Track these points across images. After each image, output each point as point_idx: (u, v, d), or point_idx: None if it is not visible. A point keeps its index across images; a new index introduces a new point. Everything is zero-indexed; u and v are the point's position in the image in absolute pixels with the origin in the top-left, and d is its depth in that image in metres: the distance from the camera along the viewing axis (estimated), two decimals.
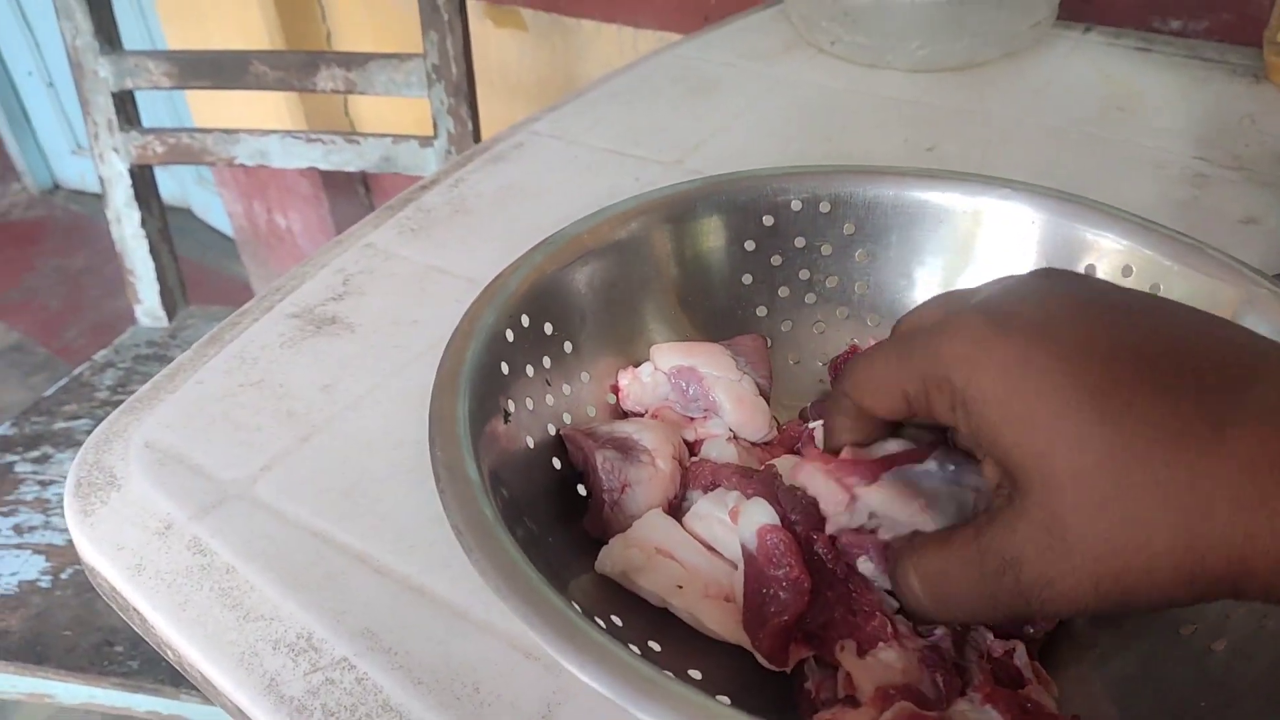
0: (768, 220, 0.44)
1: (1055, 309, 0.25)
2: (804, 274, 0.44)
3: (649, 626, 0.32)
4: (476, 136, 0.97)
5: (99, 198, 1.05)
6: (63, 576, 0.82)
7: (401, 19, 1.41)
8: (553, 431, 0.38)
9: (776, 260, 0.44)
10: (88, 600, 0.80)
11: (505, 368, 0.36)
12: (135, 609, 0.39)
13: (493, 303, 0.36)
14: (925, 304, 0.31)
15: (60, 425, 0.98)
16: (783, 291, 0.45)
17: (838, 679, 0.30)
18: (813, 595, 0.30)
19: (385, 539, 0.39)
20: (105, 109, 1.00)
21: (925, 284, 0.44)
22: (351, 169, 0.99)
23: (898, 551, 0.28)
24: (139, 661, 0.75)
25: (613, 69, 0.81)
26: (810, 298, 0.45)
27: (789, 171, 0.44)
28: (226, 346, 0.49)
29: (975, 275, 0.42)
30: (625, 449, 0.36)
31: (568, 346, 0.40)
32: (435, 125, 0.96)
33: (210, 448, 0.43)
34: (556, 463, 0.37)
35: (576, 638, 0.24)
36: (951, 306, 0.28)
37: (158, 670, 0.74)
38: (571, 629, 0.24)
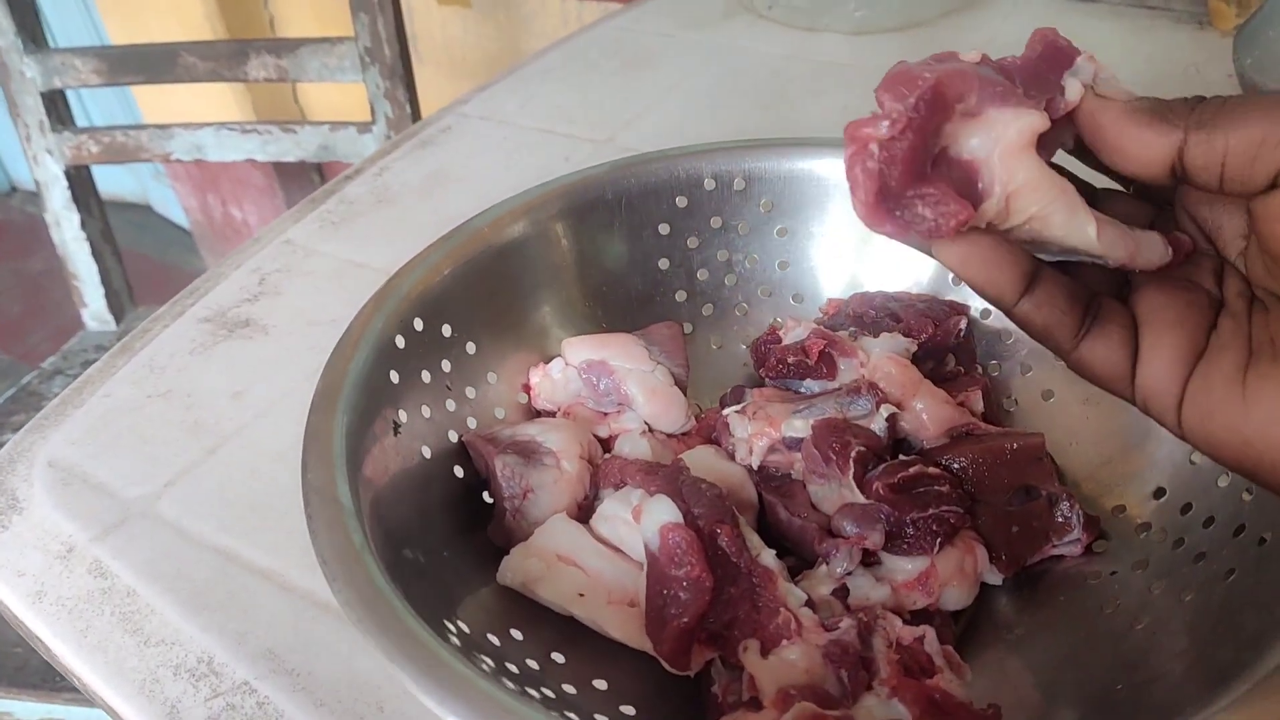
0: (681, 201, 0.42)
1: None
2: (722, 255, 0.43)
3: (555, 637, 0.31)
4: (416, 119, 0.94)
5: None
6: None
7: (343, 7, 1.38)
8: (455, 439, 0.36)
9: (693, 242, 0.43)
10: None
11: (395, 376, 0.34)
12: (37, 636, 0.37)
13: (381, 308, 0.35)
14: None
15: (8, 437, 0.96)
16: (701, 274, 0.43)
17: (743, 681, 0.29)
18: (715, 593, 0.29)
19: (291, 554, 0.37)
20: (35, 110, 0.97)
21: (844, 257, 0.42)
22: (290, 159, 0.96)
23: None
24: None
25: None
26: (730, 279, 0.43)
27: (699, 150, 0.42)
28: (136, 356, 0.48)
29: (887, 245, 0.41)
30: (528, 453, 0.35)
31: (470, 347, 0.38)
32: (373, 110, 0.93)
33: (115, 464, 0.42)
34: (459, 470, 0.36)
35: (435, 672, 0.22)
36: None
37: None
38: (432, 662, 0.23)
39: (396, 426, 0.33)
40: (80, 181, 1.01)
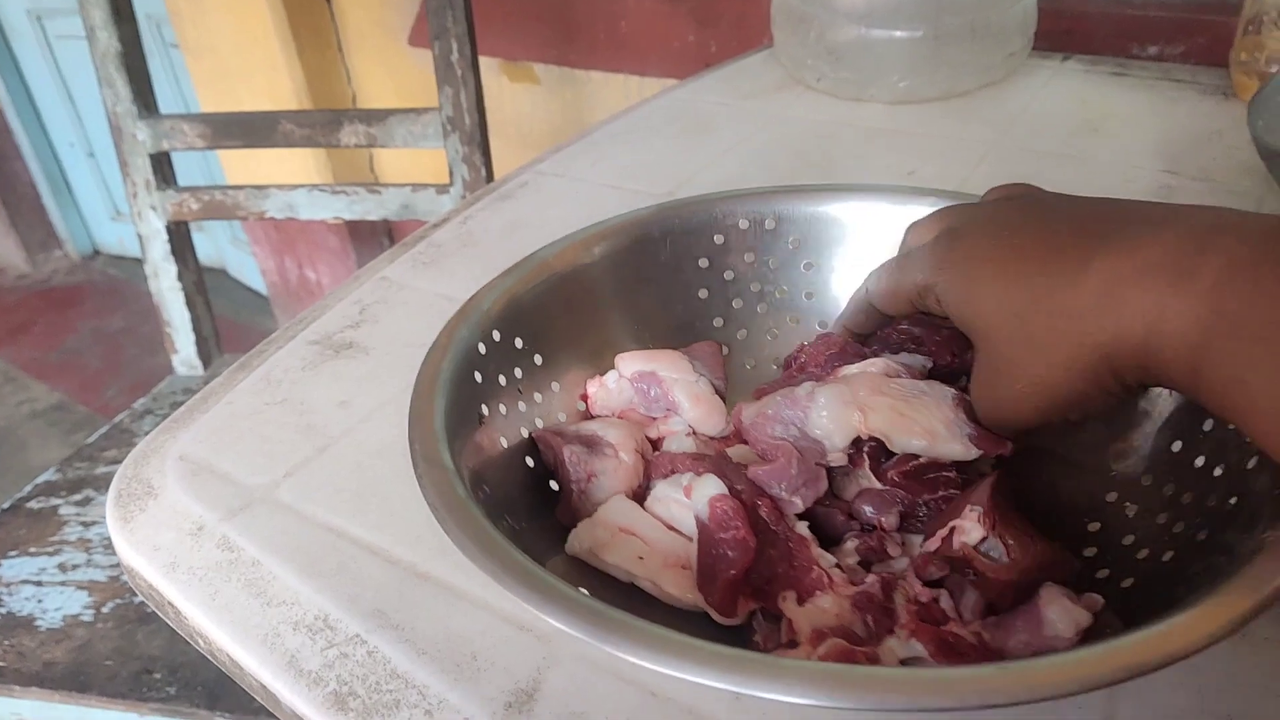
0: (718, 239, 0.48)
1: (1000, 213, 0.36)
2: (755, 286, 0.49)
3: (615, 599, 0.35)
4: (490, 181, 1.02)
5: (137, 261, 1.11)
6: (104, 610, 0.86)
7: (420, 80, 1.48)
8: (525, 434, 0.42)
9: (729, 275, 0.49)
10: (128, 632, 0.84)
11: (479, 376, 0.40)
12: (170, 603, 0.42)
13: (467, 320, 0.41)
14: (927, 217, 0.40)
15: (102, 470, 1.03)
16: (736, 303, 0.49)
17: (781, 628, 0.33)
18: (757, 553, 0.34)
19: (393, 533, 0.42)
20: (143, 170, 1.06)
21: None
22: (374, 217, 1.04)
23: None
24: (176, 687, 0.78)
25: None
26: (762, 307, 0.49)
27: (734, 194, 0.49)
28: (254, 371, 0.54)
29: None
30: (591, 444, 0.40)
31: (538, 359, 0.44)
32: (451, 173, 1.01)
33: (238, 458, 0.47)
34: (530, 461, 0.41)
35: (530, 580, 0.28)
36: (937, 225, 0.38)
37: (194, 695, 0.77)
38: (527, 574, 0.28)
39: (481, 417, 0.39)
40: (179, 236, 1.10)
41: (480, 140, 1.00)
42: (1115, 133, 0.73)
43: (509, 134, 1.44)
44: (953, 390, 0.38)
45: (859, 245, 0.47)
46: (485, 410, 0.40)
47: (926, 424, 0.36)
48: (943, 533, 0.34)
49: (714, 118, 0.82)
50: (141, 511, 0.46)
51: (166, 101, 2.06)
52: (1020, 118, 0.76)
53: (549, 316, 0.45)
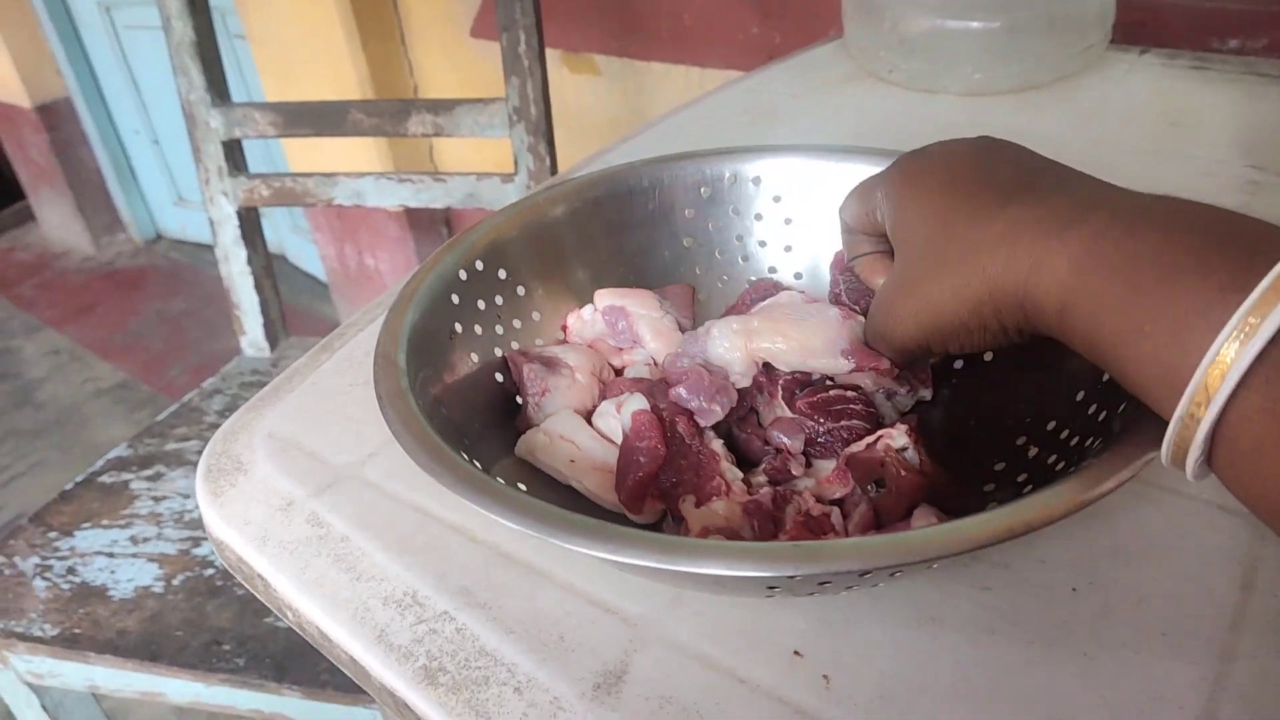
0: (705, 192, 0.51)
1: (956, 154, 0.37)
2: (736, 238, 0.51)
3: (552, 498, 0.38)
4: (554, 172, 1.02)
5: (199, 246, 1.14)
6: (175, 582, 0.88)
7: (481, 72, 1.49)
8: (499, 354, 0.46)
9: (713, 226, 0.51)
10: (198, 604, 0.86)
11: (455, 299, 0.44)
12: (260, 575, 0.43)
13: (453, 250, 0.45)
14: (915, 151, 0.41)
15: (172, 446, 1.06)
16: (718, 253, 0.52)
17: (682, 527, 0.37)
18: (667, 460, 0.39)
19: (477, 513, 0.43)
20: (216, 156, 1.08)
21: (838, 241, 0.48)
22: (439, 205, 1.05)
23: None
24: (244, 659, 0.80)
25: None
26: (741, 258, 0.52)
27: (720, 151, 0.51)
28: (336, 353, 0.55)
29: None
30: (550, 364, 0.44)
31: (520, 290, 0.47)
32: (516, 162, 1.02)
33: (325, 437, 0.49)
34: (499, 377, 0.45)
35: (434, 452, 0.34)
36: (908, 155, 0.41)
37: (262, 667, 0.79)
38: (434, 447, 0.34)
39: (452, 334, 0.43)
40: (249, 222, 1.12)
41: (545, 130, 1.01)
42: (1197, 127, 0.71)
43: (570, 125, 1.45)
44: (837, 311, 0.42)
45: (836, 203, 0.48)
46: (459, 328, 0.44)
47: (805, 342, 0.40)
48: (870, 439, 0.38)
49: (782, 109, 0.81)
50: (232, 487, 0.47)
51: (232, 91, 2.11)
52: (1098, 111, 0.75)
53: (537, 253, 0.49)
